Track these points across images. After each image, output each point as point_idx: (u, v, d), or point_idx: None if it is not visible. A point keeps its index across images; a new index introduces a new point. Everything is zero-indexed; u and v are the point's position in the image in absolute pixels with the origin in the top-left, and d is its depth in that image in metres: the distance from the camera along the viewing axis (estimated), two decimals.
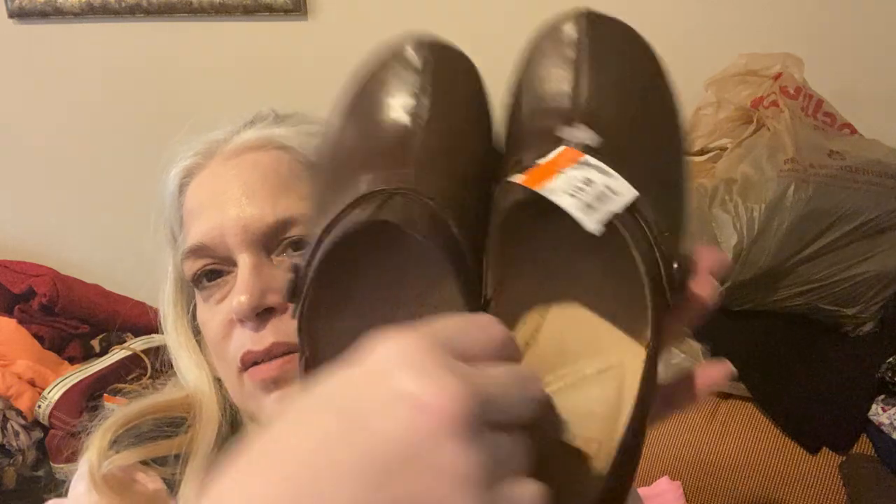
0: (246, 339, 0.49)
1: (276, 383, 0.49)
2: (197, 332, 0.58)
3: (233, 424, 0.57)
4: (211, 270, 0.52)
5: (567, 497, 0.27)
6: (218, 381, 0.56)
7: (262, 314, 0.49)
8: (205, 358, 0.57)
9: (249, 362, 0.50)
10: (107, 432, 0.56)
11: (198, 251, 0.52)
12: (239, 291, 0.48)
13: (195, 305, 0.57)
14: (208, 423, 0.55)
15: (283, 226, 0.50)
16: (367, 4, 1.46)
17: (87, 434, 0.58)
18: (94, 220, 1.67)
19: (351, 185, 0.34)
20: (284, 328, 0.49)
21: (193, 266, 0.52)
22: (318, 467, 0.21)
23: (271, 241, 0.51)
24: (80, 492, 0.57)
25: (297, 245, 0.51)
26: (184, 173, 0.55)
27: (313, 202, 0.38)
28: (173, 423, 0.56)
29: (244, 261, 0.50)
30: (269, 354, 0.49)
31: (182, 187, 0.55)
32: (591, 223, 0.30)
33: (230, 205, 0.50)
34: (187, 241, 0.52)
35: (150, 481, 0.55)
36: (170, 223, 0.57)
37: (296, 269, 0.35)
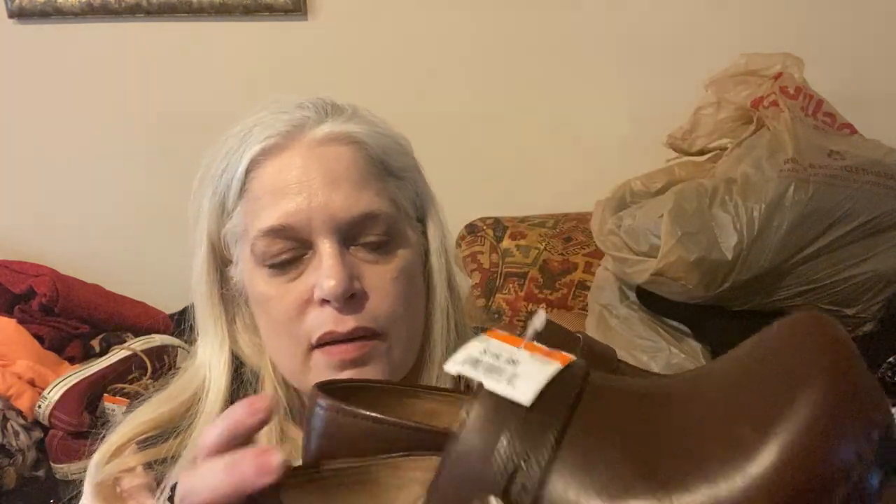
0: (328, 320, 0.53)
1: (353, 363, 0.53)
2: (224, 304, 0.60)
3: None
4: (288, 250, 0.54)
5: None
6: (233, 363, 0.59)
7: (347, 299, 0.52)
8: (228, 331, 0.60)
9: (327, 341, 0.53)
10: (111, 448, 0.58)
11: (280, 231, 0.54)
12: (328, 276, 0.52)
13: (220, 280, 0.59)
14: (208, 417, 0.57)
15: (365, 218, 0.54)
16: (367, 4, 1.46)
17: (98, 442, 0.60)
18: (94, 220, 1.66)
19: None
20: (366, 314, 0.53)
21: (272, 245, 0.54)
22: None
23: (353, 231, 0.54)
24: None
25: (375, 246, 0.54)
26: (261, 151, 0.55)
27: None
28: (174, 429, 0.58)
29: (327, 246, 0.53)
30: (350, 336, 0.53)
31: (255, 163, 0.56)
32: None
33: (319, 192, 0.53)
34: (266, 220, 0.54)
35: (140, 479, 0.58)
36: (223, 193, 0.58)
37: None
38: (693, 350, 1.12)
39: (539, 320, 0.36)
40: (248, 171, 0.56)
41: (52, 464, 1.35)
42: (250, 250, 0.55)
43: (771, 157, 1.03)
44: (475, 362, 0.30)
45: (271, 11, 1.47)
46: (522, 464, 0.26)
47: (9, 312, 1.43)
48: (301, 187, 0.53)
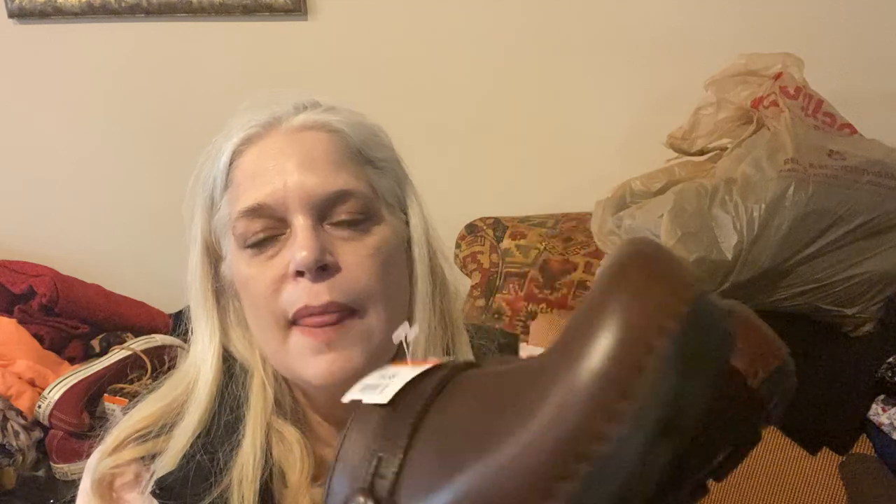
0: (302, 294, 0.53)
1: (329, 346, 0.54)
2: (216, 297, 0.62)
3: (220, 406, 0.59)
4: (266, 228, 0.55)
5: None
6: (222, 356, 0.60)
7: (318, 270, 0.53)
8: (219, 325, 0.61)
9: (304, 315, 0.54)
10: (108, 447, 0.59)
11: (256, 211, 0.55)
12: (300, 247, 0.53)
13: (214, 276, 0.61)
14: (196, 408, 0.58)
15: (341, 196, 0.55)
16: (367, 4, 1.46)
17: (98, 442, 0.61)
18: (94, 219, 1.67)
19: None
20: (339, 287, 0.54)
21: (250, 225, 0.56)
22: None
23: (328, 208, 0.55)
24: None
25: (350, 223, 0.55)
26: (242, 141, 0.58)
27: None
28: (165, 425, 0.59)
29: (302, 221, 0.54)
30: (325, 310, 0.53)
31: (238, 153, 0.58)
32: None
33: (294, 172, 0.55)
34: (244, 201, 0.56)
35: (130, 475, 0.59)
36: (211, 188, 0.60)
37: None
38: None
39: (411, 332, 0.40)
40: (231, 162, 0.58)
41: (52, 464, 1.35)
42: (232, 234, 0.57)
43: (771, 157, 1.03)
44: (364, 387, 0.33)
45: (271, 11, 1.47)
46: (383, 455, 0.28)
47: (9, 312, 1.43)
48: (277, 169, 0.55)
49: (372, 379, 0.33)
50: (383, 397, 0.31)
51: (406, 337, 0.39)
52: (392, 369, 0.33)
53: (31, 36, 1.57)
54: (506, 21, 1.43)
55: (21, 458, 1.32)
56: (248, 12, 1.48)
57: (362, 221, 0.56)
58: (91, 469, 0.60)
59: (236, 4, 1.47)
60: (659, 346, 0.22)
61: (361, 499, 0.28)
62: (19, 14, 1.54)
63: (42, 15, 1.54)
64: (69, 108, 1.60)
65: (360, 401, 0.32)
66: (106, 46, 1.56)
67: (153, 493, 0.57)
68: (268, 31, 1.50)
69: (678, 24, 1.36)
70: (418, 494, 0.27)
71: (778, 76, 1.12)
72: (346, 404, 0.33)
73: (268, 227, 0.55)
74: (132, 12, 1.51)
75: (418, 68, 1.49)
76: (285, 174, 0.55)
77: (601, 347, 0.22)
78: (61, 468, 1.34)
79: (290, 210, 0.55)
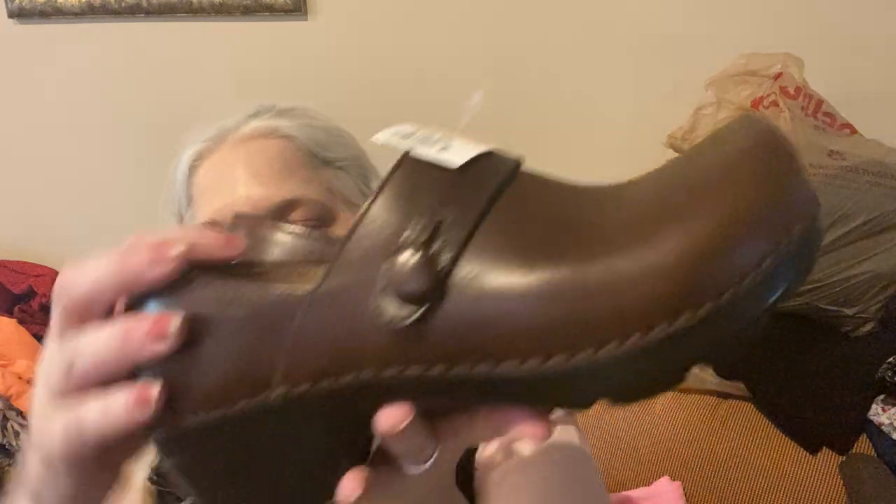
0: None
1: None
2: None
3: None
4: None
5: None
6: None
7: None
8: None
9: None
10: None
11: (209, 227, 0.55)
12: None
13: None
14: None
15: (287, 205, 0.54)
16: (366, 4, 1.46)
17: None
18: (93, 219, 1.67)
19: None
20: None
21: None
22: None
23: (278, 218, 0.54)
24: None
25: (302, 225, 0.54)
26: (195, 156, 0.58)
27: None
28: None
29: None
30: None
31: (192, 169, 0.59)
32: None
33: (239, 185, 0.55)
34: (198, 218, 0.57)
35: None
36: (177, 202, 0.61)
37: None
38: None
39: (476, 97, 0.35)
40: (188, 179, 0.59)
41: None
42: None
43: None
44: (406, 135, 0.29)
45: (271, 11, 1.47)
46: (448, 218, 0.26)
47: (9, 312, 1.43)
48: (224, 183, 0.56)
49: (413, 130, 0.29)
50: (452, 158, 0.27)
51: (474, 103, 0.34)
52: (436, 130, 0.29)
53: (31, 36, 1.57)
54: (505, 21, 1.43)
55: (21, 458, 1.32)
56: (248, 12, 1.48)
57: (316, 227, 0.55)
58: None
59: (236, 4, 1.47)
60: (799, 228, 0.23)
61: (411, 250, 0.26)
62: (19, 14, 1.54)
63: (42, 15, 1.54)
64: (69, 108, 1.60)
65: (408, 151, 0.28)
66: (106, 46, 1.56)
67: (150, 480, 0.57)
68: (268, 31, 1.50)
69: (678, 24, 1.36)
70: (488, 270, 0.25)
71: (778, 76, 1.12)
72: None
73: None
74: (132, 12, 1.51)
75: (418, 69, 1.49)
76: (233, 188, 0.55)
77: (749, 204, 0.23)
78: None
79: None
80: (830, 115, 1.13)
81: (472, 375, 0.26)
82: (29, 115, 1.62)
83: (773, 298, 0.23)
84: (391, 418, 0.27)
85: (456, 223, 0.26)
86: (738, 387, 1.09)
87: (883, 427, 1.00)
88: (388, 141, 0.29)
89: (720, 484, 1.02)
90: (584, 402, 0.25)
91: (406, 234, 0.26)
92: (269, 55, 1.51)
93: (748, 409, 1.08)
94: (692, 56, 1.34)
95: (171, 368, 0.28)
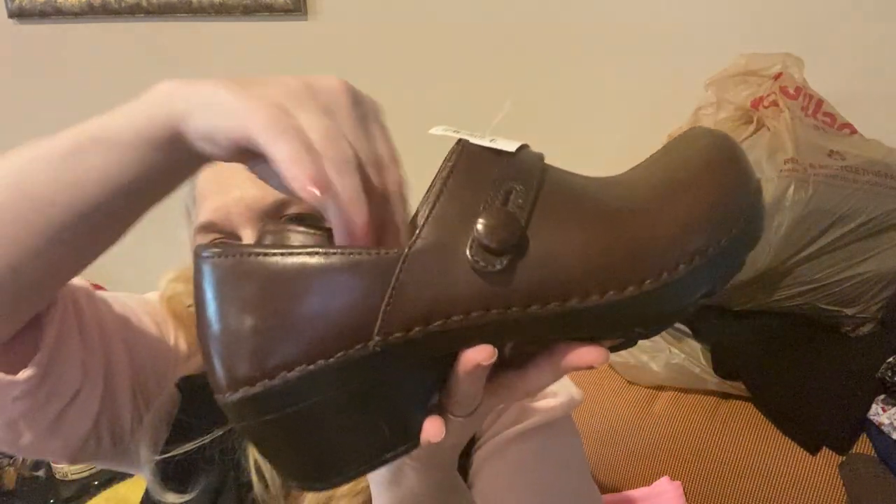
0: None
1: None
2: None
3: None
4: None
5: None
6: None
7: None
8: None
9: None
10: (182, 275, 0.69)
11: (207, 227, 0.58)
12: None
13: None
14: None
15: (282, 204, 0.56)
16: (366, 4, 1.46)
17: None
18: None
19: None
20: None
21: (203, 240, 0.59)
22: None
23: (273, 216, 0.57)
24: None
25: (296, 219, 0.56)
26: None
27: None
28: None
29: (247, 235, 0.56)
30: None
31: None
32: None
33: (234, 187, 0.57)
34: (199, 218, 0.59)
35: None
36: (186, 202, 0.63)
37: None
38: (693, 350, 1.12)
39: (507, 105, 0.43)
40: (192, 179, 0.60)
41: (52, 464, 1.35)
42: None
43: (771, 157, 1.03)
44: (455, 130, 0.36)
45: (271, 11, 1.47)
46: (517, 187, 0.33)
47: None
48: (222, 184, 0.58)
49: (458, 128, 0.35)
50: (506, 146, 0.34)
51: (505, 109, 0.40)
52: (477, 134, 0.35)
53: (31, 36, 1.57)
54: (505, 22, 1.43)
55: (21, 458, 1.32)
56: (248, 12, 1.48)
57: (312, 224, 0.57)
58: (160, 289, 0.67)
59: (236, 4, 1.47)
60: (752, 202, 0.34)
61: (492, 211, 0.32)
62: (19, 14, 1.54)
63: (42, 15, 1.53)
64: (69, 108, 1.60)
65: (465, 140, 0.34)
66: (106, 46, 1.56)
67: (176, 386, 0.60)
68: (268, 31, 1.50)
69: (678, 24, 1.36)
70: (551, 229, 0.32)
71: (778, 76, 1.12)
72: None
73: (219, 242, 0.58)
74: (132, 12, 1.51)
75: (418, 69, 1.49)
76: (228, 189, 0.57)
77: (692, 211, 0.33)
78: (61, 468, 1.34)
79: (235, 225, 0.57)
80: (830, 115, 1.13)
81: (544, 312, 0.32)
82: (29, 115, 1.62)
83: (698, 293, 0.33)
84: (479, 354, 0.32)
85: (523, 192, 0.33)
86: (738, 387, 1.09)
87: (883, 427, 0.99)
88: (444, 133, 0.35)
89: (720, 484, 1.02)
90: (624, 329, 0.33)
91: (483, 199, 0.32)
92: (269, 55, 1.51)
93: (748, 409, 1.08)
94: (692, 56, 1.34)
95: (277, 324, 0.31)
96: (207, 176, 0.59)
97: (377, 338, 0.31)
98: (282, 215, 0.56)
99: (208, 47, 1.53)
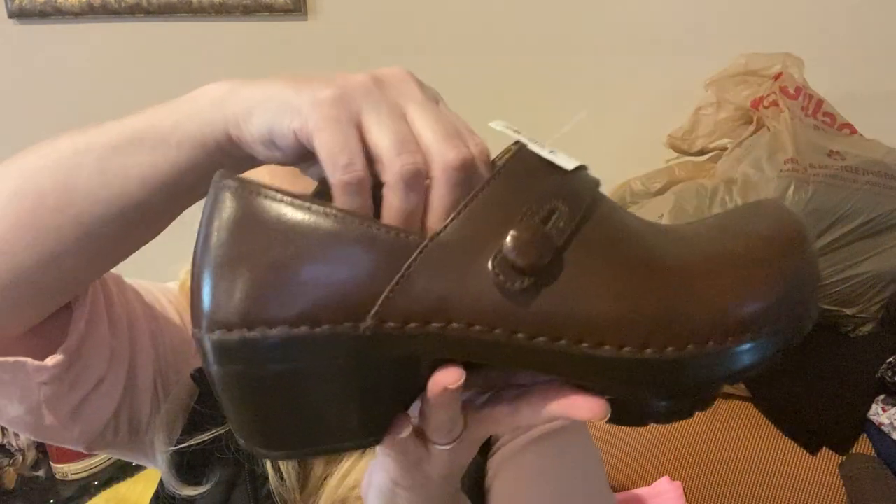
0: None
1: None
2: None
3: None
4: None
5: None
6: None
7: None
8: None
9: None
10: None
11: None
12: None
13: None
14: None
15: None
16: (366, 4, 1.46)
17: None
18: None
19: None
20: None
21: None
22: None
23: None
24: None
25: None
26: None
27: None
28: None
29: None
30: None
31: None
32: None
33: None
34: None
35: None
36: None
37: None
38: None
39: (581, 114, 0.42)
40: None
41: (52, 464, 1.35)
42: None
43: (771, 157, 1.03)
44: (515, 130, 0.33)
45: (271, 11, 1.47)
46: (562, 208, 0.31)
47: None
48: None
49: (519, 131, 0.33)
50: (564, 162, 0.32)
51: (577, 118, 0.39)
52: (538, 141, 0.33)
53: (31, 36, 1.57)
54: (505, 22, 1.43)
55: (21, 458, 1.33)
56: (248, 12, 1.48)
57: None
58: (181, 279, 0.68)
59: (236, 4, 1.47)
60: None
61: (528, 226, 0.30)
62: (19, 14, 1.54)
63: (42, 15, 1.53)
64: (69, 108, 1.60)
65: (523, 144, 0.32)
66: (106, 46, 1.56)
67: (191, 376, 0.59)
68: (268, 31, 1.50)
69: (678, 24, 1.36)
70: (586, 265, 0.30)
71: (778, 76, 1.12)
72: None
73: None
74: (132, 12, 1.51)
75: (418, 69, 1.49)
76: None
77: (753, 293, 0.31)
78: (61, 468, 1.34)
79: None
80: (830, 115, 1.13)
81: (550, 348, 0.29)
82: (29, 115, 1.62)
83: (719, 374, 0.30)
84: (447, 377, 0.30)
85: (566, 215, 0.30)
86: (738, 387, 1.09)
87: (883, 427, 0.99)
88: (503, 130, 0.33)
89: (720, 484, 1.02)
90: (632, 390, 0.31)
91: (523, 210, 0.30)
92: (269, 55, 1.51)
93: (748, 409, 1.08)
94: (692, 56, 1.34)
95: (272, 279, 0.29)
96: None
97: (370, 321, 0.29)
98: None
99: (208, 47, 1.53)
